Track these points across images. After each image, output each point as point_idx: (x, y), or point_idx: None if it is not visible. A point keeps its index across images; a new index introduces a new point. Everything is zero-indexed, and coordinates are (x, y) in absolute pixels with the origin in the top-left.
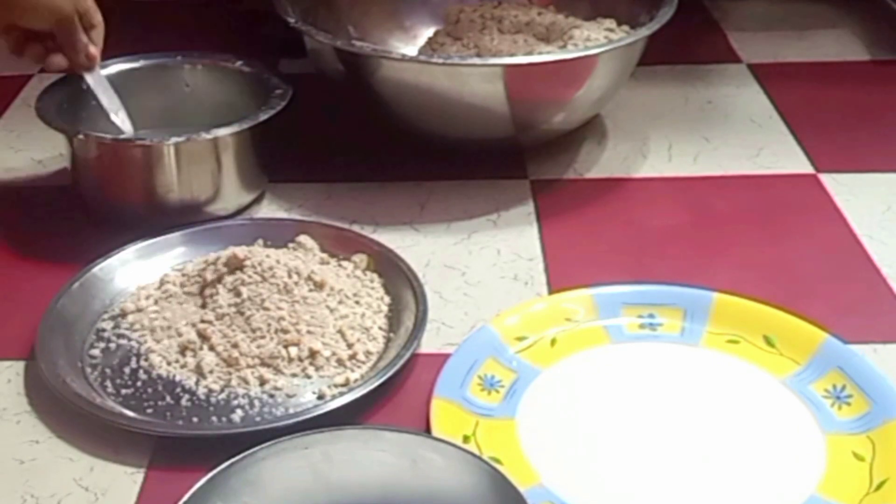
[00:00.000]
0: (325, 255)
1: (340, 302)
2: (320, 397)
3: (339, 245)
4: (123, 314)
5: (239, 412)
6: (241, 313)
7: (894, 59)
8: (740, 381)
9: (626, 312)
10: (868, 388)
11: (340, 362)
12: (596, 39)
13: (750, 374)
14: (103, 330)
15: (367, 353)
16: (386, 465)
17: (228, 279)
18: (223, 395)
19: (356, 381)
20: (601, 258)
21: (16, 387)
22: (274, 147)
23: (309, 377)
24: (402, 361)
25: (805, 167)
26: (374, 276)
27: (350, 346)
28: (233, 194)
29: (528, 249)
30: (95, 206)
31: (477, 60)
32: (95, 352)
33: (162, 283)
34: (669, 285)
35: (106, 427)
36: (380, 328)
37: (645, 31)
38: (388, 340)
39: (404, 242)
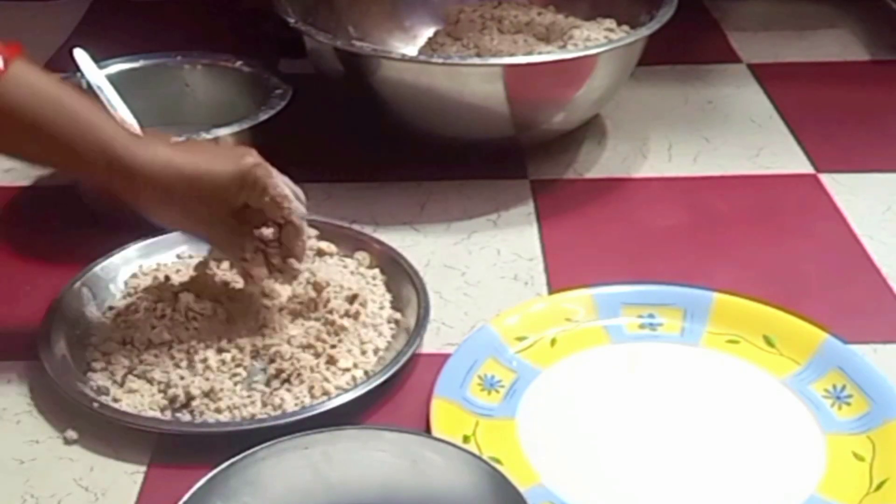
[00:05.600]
0: (327, 253)
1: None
2: (323, 394)
3: (341, 242)
4: (124, 313)
5: None
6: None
7: (894, 59)
8: (740, 381)
9: (626, 312)
10: (868, 388)
11: (355, 364)
12: (596, 39)
13: (750, 374)
14: (105, 329)
15: (376, 351)
16: (386, 465)
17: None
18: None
19: (359, 378)
20: (601, 258)
21: (16, 387)
22: (274, 147)
23: (327, 380)
24: (404, 359)
25: (805, 167)
26: (377, 272)
27: (362, 343)
28: None
29: (528, 249)
30: (96, 206)
31: (477, 60)
32: (97, 353)
33: (166, 281)
34: (669, 285)
35: (106, 426)
36: (383, 325)
37: (645, 31)
38: (390, 338)
39: (404, 242)
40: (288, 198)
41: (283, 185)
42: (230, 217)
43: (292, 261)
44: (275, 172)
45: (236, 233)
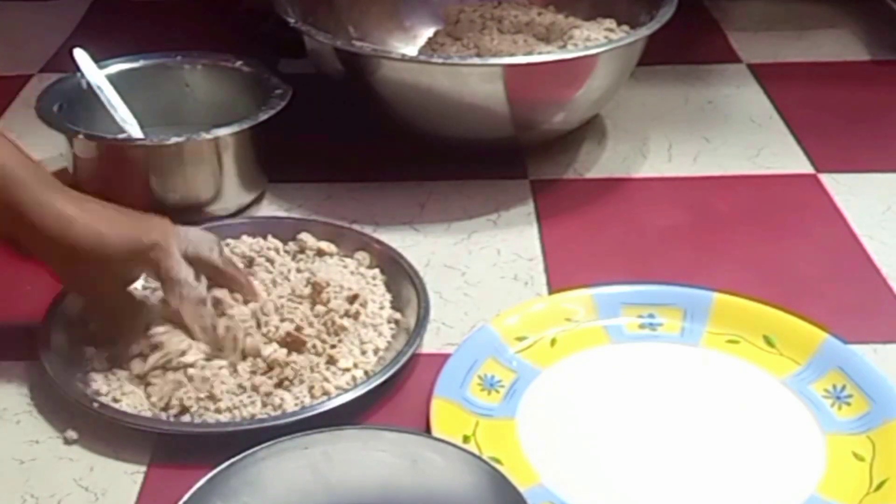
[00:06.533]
0: (327, 253)
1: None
2: (323, 394)
3: (341, 242)
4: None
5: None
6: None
7: (894, 59)
8: (740, 381)
9: (626, 312)
10: (868, 388)
11: (355, 364)
12: (596, 39)
13: (750, 374)
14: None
15: (376, 351)
16: (386, 465)
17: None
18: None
19: (359, 378)
20: (601, 258)
21: (16, 387)
22: (274, 147)
23: (327, 380)
24: (404, 359)
25: (805, 167)
26: (377, 272)
27: (362, 343)
28: (233, 194)
29: (528, 249)
30: None
31: (477, 60)
32: (95, 351)
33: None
34: (669, 285)
35: (106, 426)
36: (383, 325)
37: (645, 31)
38: (390, 338)
39: (404, 242)
40: (181, 282)
41: (179, 267)
42: (123, 289)
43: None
44: (176, 251)
45: (129, 306)
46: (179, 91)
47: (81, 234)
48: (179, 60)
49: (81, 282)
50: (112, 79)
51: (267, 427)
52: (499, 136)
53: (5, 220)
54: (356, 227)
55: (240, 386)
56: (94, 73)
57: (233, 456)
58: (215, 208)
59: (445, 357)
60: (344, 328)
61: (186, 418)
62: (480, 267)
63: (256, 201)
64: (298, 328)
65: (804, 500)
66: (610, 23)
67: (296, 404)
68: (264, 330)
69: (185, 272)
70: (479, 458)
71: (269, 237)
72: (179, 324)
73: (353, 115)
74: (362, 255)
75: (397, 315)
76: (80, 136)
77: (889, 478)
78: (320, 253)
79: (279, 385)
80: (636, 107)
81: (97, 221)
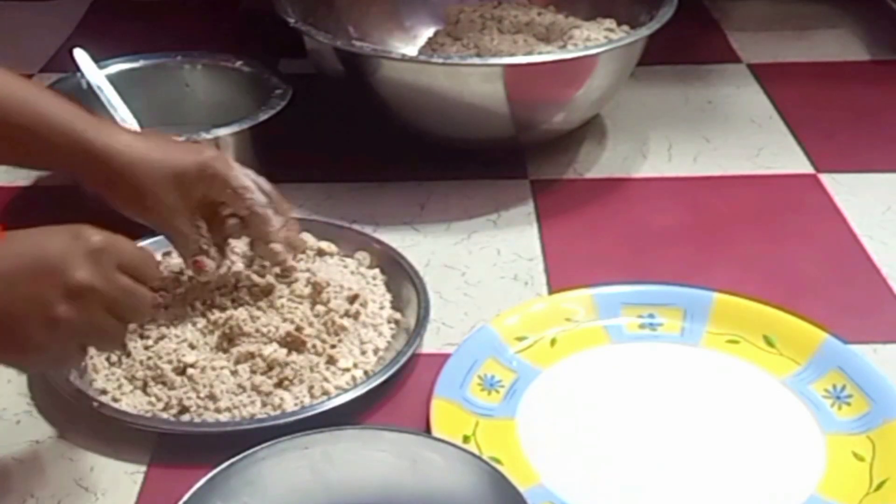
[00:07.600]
0: (327, 253)
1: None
2: (323, 394)
3: (341, 242)
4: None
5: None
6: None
7: (894, 59)
8: (740, 381)
9: (626, 312)
10: (868, 388)
11: (355, 364)
12: (596, 39)
13: (750, 374)
14: None
15: (376, 351)
16: (386, 465)
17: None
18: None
19: (359, 378)
20: (601, 258)
21: (16, 387)
22: (274, 147)
23: (327, 380)
24: (404, 359)
25: (805, 167)
26: (377, 272)
27: (362, 343)
28: None
29: (528, 249)
30: (96, 206)
31: (477, 60)
32: (95, 350)
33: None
34: (669, 285)
35: (106, 426)
36: (383, 326)
37: (645, 31)
38: (390, 338)
39: (404, 242)
40: (248, 188)
41: (243, 176)
42: (188, 209)
43: (273, 246)
44: (235, 165)
45: (193, 225)
46: (179, 91)
47: (149, 151)
48: (179, 60)
49: (149, 205)
50: (112, 79)
51: (267, 427)
52: (499, 136)
53: (69, 160)
54: (356, 227)
55: (239, 386)
56: (94, 73)
57: (233, 456)
58: None
59: (445, 357)
60: (344, 328)
61: (186, 418)
62: (480, 267)
63: None
64: (298, 328)
65: (804, 500)
66: (610, 23)
67: (295, 404)
68: (265, 330)
69: (247, 180)
70: (479, 458)
71: None
72: (252, 234)
73: (353, 115)
74: (362, 255)
75: (397, 315)
76: None
77: (889, 478)
78: (320, 253)
79: (279, 385)
80: (636, 107)
81: (156, 142)
